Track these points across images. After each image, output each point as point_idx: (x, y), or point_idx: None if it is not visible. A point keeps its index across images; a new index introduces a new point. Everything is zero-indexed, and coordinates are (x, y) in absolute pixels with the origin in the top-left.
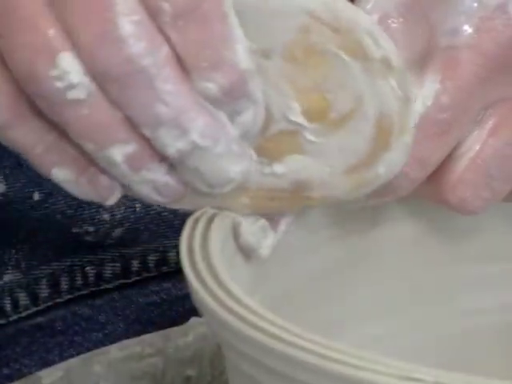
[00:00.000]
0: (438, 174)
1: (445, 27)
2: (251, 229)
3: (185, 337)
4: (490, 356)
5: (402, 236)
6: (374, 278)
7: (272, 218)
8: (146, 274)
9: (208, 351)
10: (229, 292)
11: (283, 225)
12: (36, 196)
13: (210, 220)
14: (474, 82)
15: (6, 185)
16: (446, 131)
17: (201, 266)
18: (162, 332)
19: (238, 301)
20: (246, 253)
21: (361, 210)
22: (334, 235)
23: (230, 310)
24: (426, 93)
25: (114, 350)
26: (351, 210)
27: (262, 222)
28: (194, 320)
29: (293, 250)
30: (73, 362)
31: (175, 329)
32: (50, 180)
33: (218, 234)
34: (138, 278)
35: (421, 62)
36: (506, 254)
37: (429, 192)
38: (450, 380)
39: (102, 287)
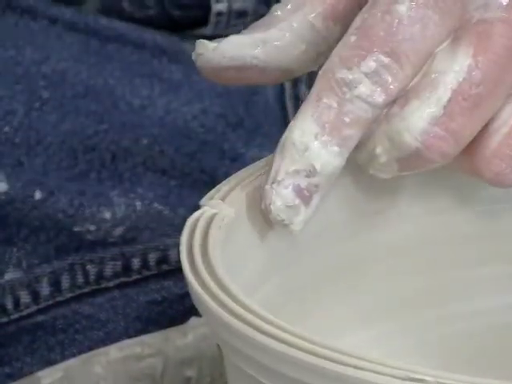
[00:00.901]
0: (473, 148)
1: (477, 1)
2: (282, 204)
3: (184, 337)
4: (484, 357)
5: (397, 240)
6: (373, 281)
7: (304, 193)
8: (146, 273)
9: (208, 352)
10: (228, 292)
11: (315, 200)
12: (37, 195)
13: (210, 219)
14: (506, 56)
15: (8, 184)
16: (479, 105)
17: (200, 266)
18: (161, 332)
19: (238, 301)
20: (278, 228)
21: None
22: (333, 239)
23: (230, 311)
24: (457, 67)
25: (114, 351)
26: (384, 181)
27: (293, 196)
28: (193, 320)
29: (292, 253)
30: (72, 362)
31: (175, 329)
32: (51, 179)
33: (218, 234)
34: (138, 276)
35: (453, 36)
36: (497, 257)
37: (463, 166)
38: (450, 380)
39: (102, 285)
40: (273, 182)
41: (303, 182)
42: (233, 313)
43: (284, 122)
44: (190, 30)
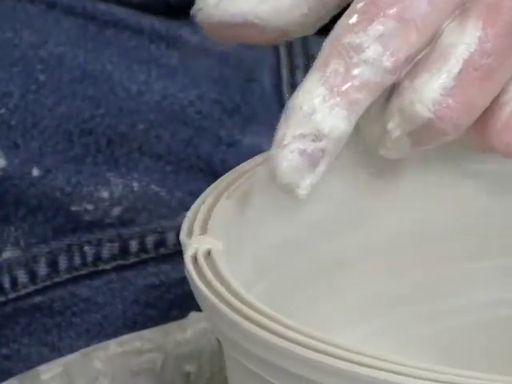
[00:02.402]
0: (483, 120)
1: None
2: (288, 167)
3: (184, 332)
4: (479, 352)
5: (391, 234)
6: (367, 276)
7: (310, 157)
8: (144, 256)
9: (207, 347)
10: (229, 287)
11: (322, 165)
12: (35, 172)
13: (210, 209)
14: None
15: (6, 160)
16: (490, 76)
17: (201, 260)
18: (161, 327)
19: (238, 296)
20: (284, 192)
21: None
22: (328, 234)
23: (231, 306)
24: (468, 40)
25: (113, 346)
26: (395, 159)
27: (300, 160)
28: (193, 315)
29: (292, 245)
30: (72, 357)
31: (174, 324)
32: (49, 156)
33: (219, 226)
34: (136, 259)
35: (461, 10)
36: (491, 252)
37: (474, 139)
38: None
39: (100, 268)
40: (279, 147)
41: (310, 146)
42: (233, 308)
43: (281, 110)
44: (186, 14)
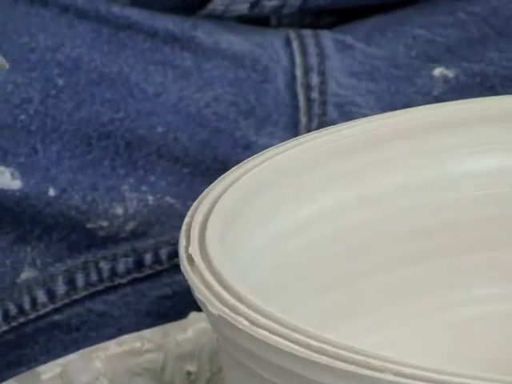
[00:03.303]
0: None
1: None
2: None
3: (184, 332)
4: (481, 346)
5: (393, 229)
6: (366, 271)
7: None
8: (158, 268)
9: (208, 347)
10: (226, 286)
11: None
12: (51, 192)
13: (211, 207)
14: None
15: (22, 181)
16: None
17: (198, 259)
18: (161, 327)
19: (236, 294)
20: None
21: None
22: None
23: (230, 306)
24: None
25: (113, 346)
26: None
27: None
28: (193, 315)
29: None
30: (72, 357)
31: (174, 324)
32: (65, 175)
33: (216, 224)
34: (150, 271)
35: None
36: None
37: None
38: None
39: (115, 282)
40: None
41: None
42: (231, 307)
43: (295, 111)
44: (200, 9)
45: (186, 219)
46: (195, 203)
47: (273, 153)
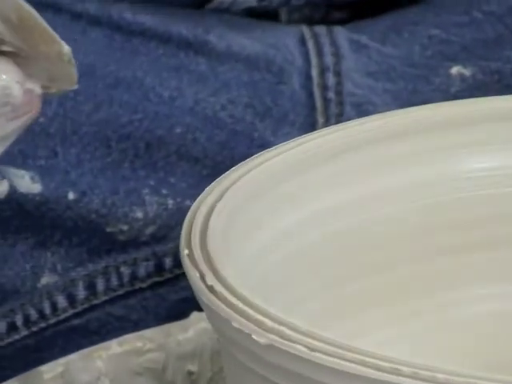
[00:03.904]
0: None
1: None
2: None
3: (185, 332)
4: (482, 345)
5: (388, 229)
6: (366, 271)
7: None
8: (177, 271)
9: (209, 346)
10: (227, 285)
11: None
12: (71, 195)
13: (212, 207)
14: None
15: (42, 185)
16: None
17: (200, 259)
18: (162, 327)
19: (236, 293)
20: None
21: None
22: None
23: (231, 305)
24: None
25: (115, 345)
26: None
27: None
28: (194, 315)
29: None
30: (73, 357)
31: (176, 324)
32: (84, 178)
33: (218, 223)
34: (170, 275)
35: None
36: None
37: None
38: None
39: (136, 287)
40: None
41: None
42: (232, 306)
43: (311, 111)
44: (207, 2)
45: (188, 217)
46: (195, 203)
47: (274, 152)
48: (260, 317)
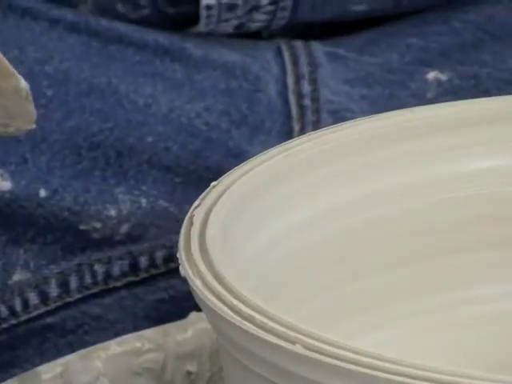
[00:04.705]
0: None
1: None
2: None
3: (184, 332)
4: (480, 345)
5: (388, 229)
6: (367, 270)
7: None
8: (154, 271)
9: (208, 346)
10: (227, 286)
11: None
12: (42, 193)
13: (209, 210)
14: None
15: (12, 182)
16: None
17: (199, 260)
18: (161, 327)
19: (236, 294)
20: None
21: None
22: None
23: (230, 306)
24: None
25: (114, 346)
26: None
27: None
28: (193, 315)
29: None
30: (72, 357)
31: (175, 324)
32: (55, 176)
33: (216, 225)
34: (146, 275)
35: None
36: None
37: None
38: None
39: (110, 285)
40: None
41: None
42: (231, 307)
43: (287, 119)
44: (185, 27)
45: (188, 215)
46: (191, 208)
47: (274, 152)
48: (259, 317)
